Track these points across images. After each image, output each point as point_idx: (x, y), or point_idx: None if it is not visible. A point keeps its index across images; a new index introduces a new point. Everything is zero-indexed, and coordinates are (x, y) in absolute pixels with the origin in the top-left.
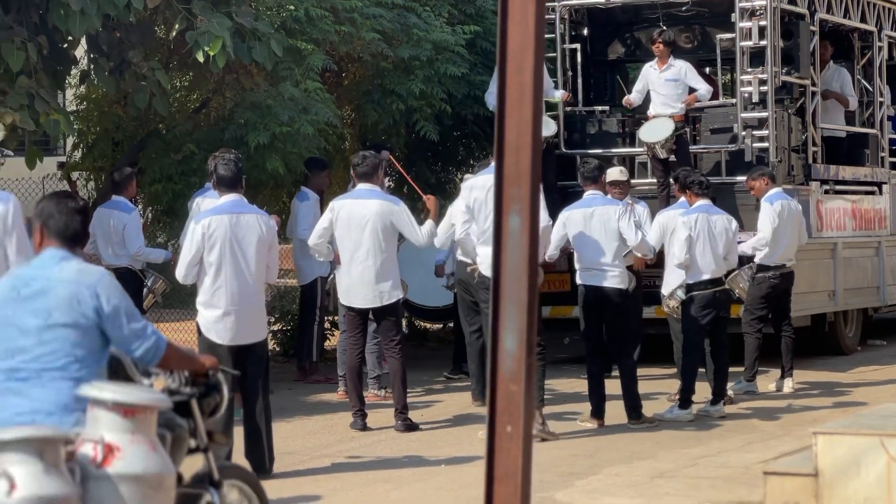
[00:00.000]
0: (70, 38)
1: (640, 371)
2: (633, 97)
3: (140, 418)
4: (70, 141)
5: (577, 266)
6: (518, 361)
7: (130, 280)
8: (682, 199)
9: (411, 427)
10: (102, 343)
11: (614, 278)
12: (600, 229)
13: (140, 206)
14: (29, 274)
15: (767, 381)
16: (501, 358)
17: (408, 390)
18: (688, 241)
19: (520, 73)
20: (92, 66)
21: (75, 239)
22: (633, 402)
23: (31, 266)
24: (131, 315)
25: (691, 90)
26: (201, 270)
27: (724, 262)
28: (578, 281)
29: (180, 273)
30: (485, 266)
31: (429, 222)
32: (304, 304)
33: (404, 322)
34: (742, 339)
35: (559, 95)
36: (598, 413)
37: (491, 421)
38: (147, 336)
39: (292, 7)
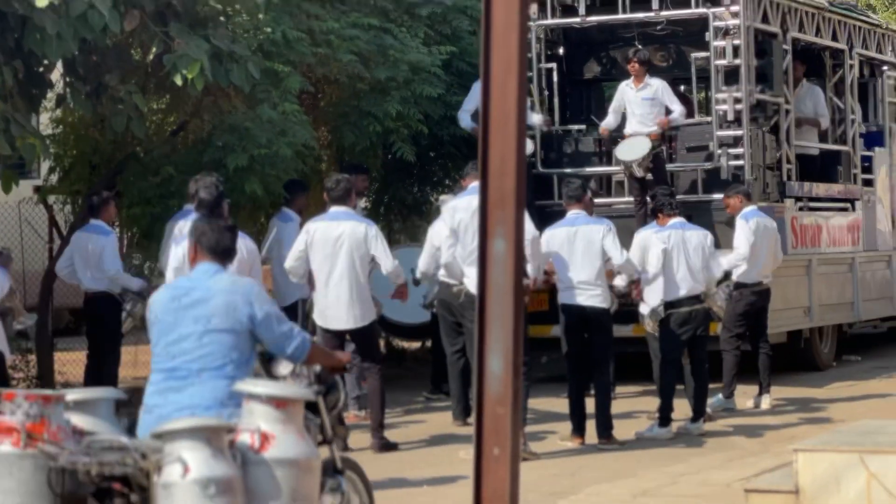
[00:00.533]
0: (46, 61)
1: (619, 389)
2: (609, 120)
3: (290, 410)
4: (46, 165)
5: (558, 285)
6: (504, 384)
7: (109, 304)
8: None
9: (387, 446)
10: (251, 346)
11: (597, 297)
12: (584, 248)
13: (118, 230)
14: (188, 285)
15: (745, 397)
16: (488, 381)
17: (387, 410)
18: (663, 253)
19: (503, 98)
20: (68, 90)
21: (226, 254)
22: (604, 421)
23: (189, 279)
24: (280, 319)
25: (668, 110)
26: None
27: (703, 275)
28: (560, 300)
29: None
30: (473, 285)
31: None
32: None
33: (381, 342)
34: (720, 356)
35: (538, 120)
36: (578, 431)
37: (478, 443)
38: (294, 336)
39: (269, 29)
